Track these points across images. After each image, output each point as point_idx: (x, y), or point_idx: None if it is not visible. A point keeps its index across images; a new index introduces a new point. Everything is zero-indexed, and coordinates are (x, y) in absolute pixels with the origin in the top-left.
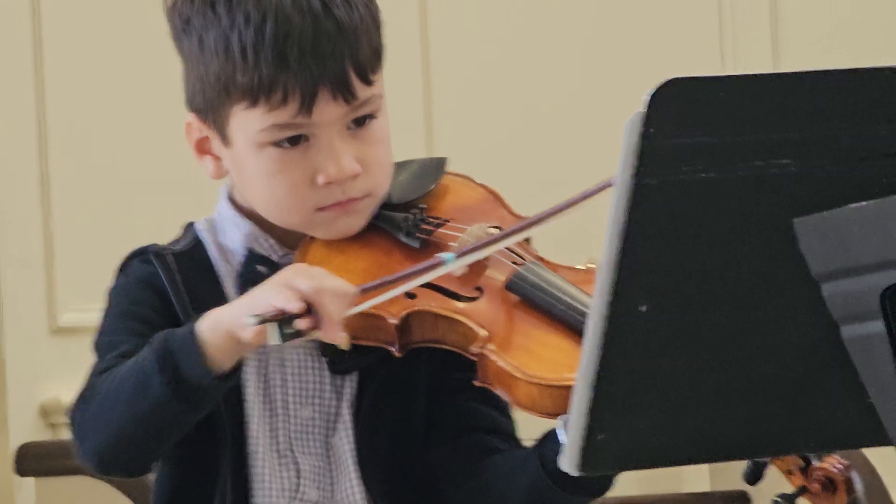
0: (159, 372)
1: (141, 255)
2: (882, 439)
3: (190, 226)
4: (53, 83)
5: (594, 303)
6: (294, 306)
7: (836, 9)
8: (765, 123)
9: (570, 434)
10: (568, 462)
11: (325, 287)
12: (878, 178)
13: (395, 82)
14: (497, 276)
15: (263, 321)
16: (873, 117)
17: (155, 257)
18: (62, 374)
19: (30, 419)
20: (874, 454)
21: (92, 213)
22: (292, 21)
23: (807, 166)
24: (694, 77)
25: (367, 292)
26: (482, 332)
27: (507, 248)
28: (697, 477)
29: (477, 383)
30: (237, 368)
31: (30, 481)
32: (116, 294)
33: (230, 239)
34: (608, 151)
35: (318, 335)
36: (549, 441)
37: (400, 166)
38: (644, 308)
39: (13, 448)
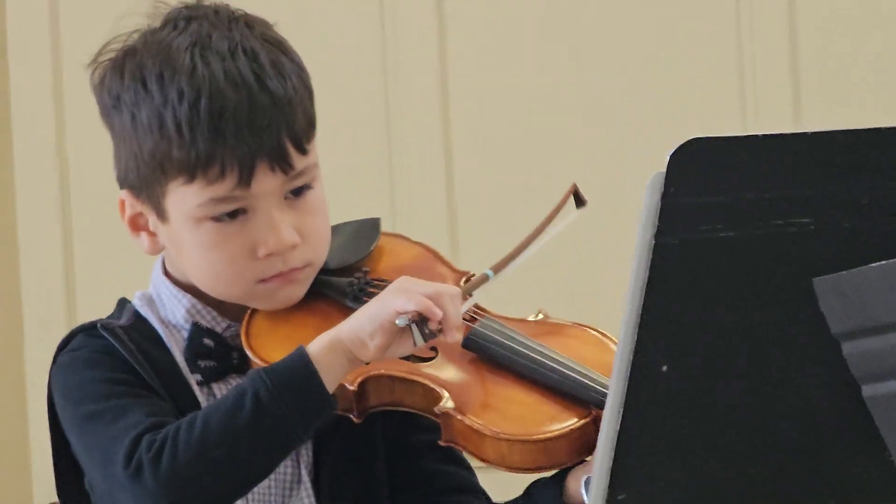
0: (276, 401)
1: (87, 331)
2: None
3: (124, 302)
4: (75, 135)
5: (615, 363)
6: (426, 306)
7: (858, 63)
8: (784, 182)
9: (592, 494)
10: None
11: (441, 290)
12: None
13: (413, 92)
14: None
15: (410, 323)
16: (892, 175)
17: (105, 330)
18: None
19: (53, 479)
20: None
21: (115, 273)
22: (227, 95)
23: (826, 225)
24: (713, 137)
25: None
26: (442, 392)
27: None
28: None
29: (442, 443)
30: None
31: None
32: (81, 366)
33: (171, 314)
34: (626, 209)
35: (440, 337)
36: (532, 498)
37: (334, 230)
38: (665, 368)
39: None
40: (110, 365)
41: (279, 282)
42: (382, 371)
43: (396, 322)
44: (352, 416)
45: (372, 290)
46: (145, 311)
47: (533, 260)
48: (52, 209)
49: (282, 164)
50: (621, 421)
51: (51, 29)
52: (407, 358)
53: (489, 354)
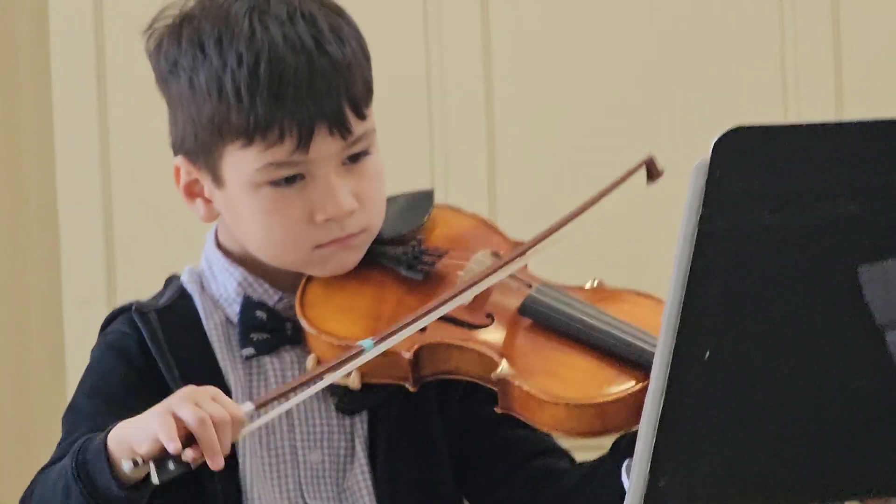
0: (76, 480)
1: (123, 314)
2: None
3: (172, 279)
4: (117, 115)
5: (658, 349)
6: (174, 444)
7: None
8: (829, 171)
9: (633, 479)
10: None
11: (205, 417)
12: None
13: (457, 94)
14: (507, 301)
15: (136, 465)
16: None
17: (138, 316)
18: None
19: None
20: None
21: (154, 252)
22: (286, 60)
23: (872, 213)
24: (758, 125)
25: (260, 406)
26: (497, 358)
27: (511, 276)
28: None
29: (498, 410)
30: (147, 481)
31: None
32: (91, 363)
33: (223, 287)
34: (671, 196)
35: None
36: (619, 455)
37: (388, 201)
38: (707, 354)
39: None
40: (110, 369)
41: (335, 247)
42: (438, 339)
43: (123, 466)
44: (407, 384)
45: (427, 257)
46: (191, 288)
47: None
48: (93, 187)
49: (341, 128)
50: (662, 407)
51: (94, 10)
52: (461, 324)
53: (545, 320)
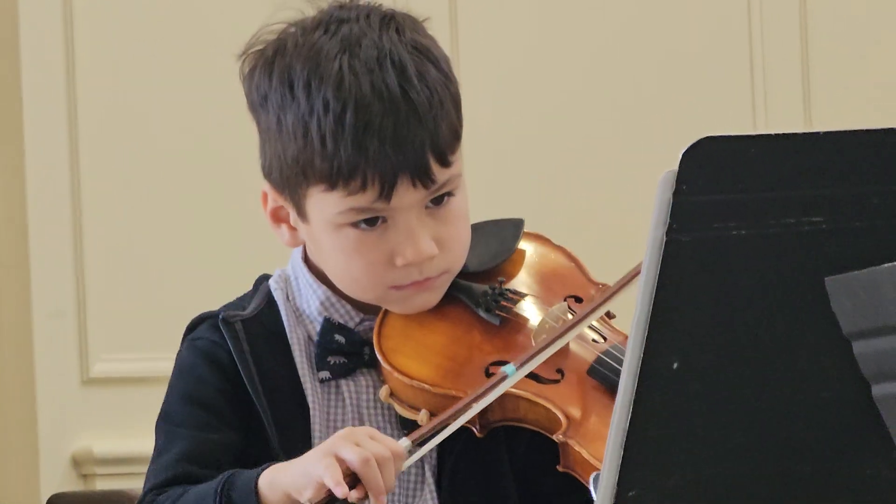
0: None
1: (210, 320)
2: None
3: (262, 281)
4: (88, 132)
5: (626, 360)
6: (340, 486)
7: (868, 62)
8: (796, 181)
9: (601, 491)
10: None
11: (368, 457)
12: None
13: None
14: (579, 357)
15: None
16: None
17: (224, 325)
18: (94, 425)
19: (61, 470)
20: None
21: (125, 264)
22: (372, 109)
23: (839, 224)
24: (726, 136)
25: (418, 444)
26: (563, 419)
27: (589, 327)
28: None
29: (560, 469)
30: None
31: None
32: (179, 370)
33: (306, 303)
34: (640, 208)
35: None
36: None
37: (474, 229)
38: (676, 365)
39: (44, 499)
40: (204, 377)
41: (414, 289)
42: (509, 390)
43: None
44: (474, 429)
45: (505, 303)
46: (278, 296)
47: None
48: (63, 198)
49: (423, 179)
50: (631, 417)
51: (63, 11)
52: (534, 378)
53: (612, 386)
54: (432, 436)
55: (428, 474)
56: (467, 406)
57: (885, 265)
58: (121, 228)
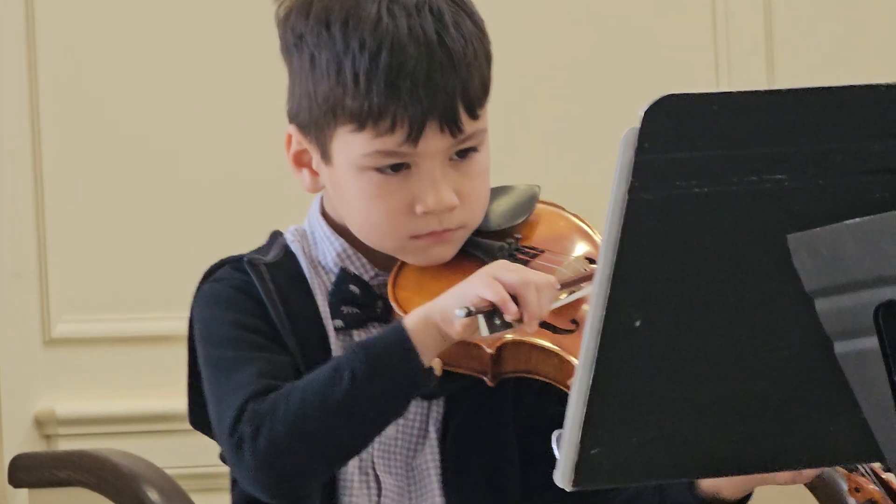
0: (371, 378)
1: (233, 263)
2: (875, 455)
3: (276, 235)
4: (48, 93)
5: (588, 317)
6: (502, 298)
7: (830, 24)
8: (759, 139)
9: (564, 448)
10: (560, 477)
11: (529, 280)
12: (872, 193)
13: None
14: None
15: (470, 314)
16: (867, 133)
17: (249, 266)
18: (56, 386)
19: (23, 430)
20: None
21: (86, 224)
22: (407, 51)
23: (801, 182)
24: (688, 93)
25: (565, 287)
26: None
27: None
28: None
29: None
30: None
31: (23, 493)
32: (217, 302)
33: (323, 255)
34: (603, 166)
35: (521, 327)
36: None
37: (493, 192)
38: (638, 323)
39: (7, 459)
40: (243, 307)
41: (431, 240)
42: (521, 338)
43: (455, 313)
44: (486, 378)
45: (521, 256)
46: (296, 248)
47: None
48: (24, 159)
49: (451, 126)
50: (594, 376)
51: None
52: (547, 326)
53: None
54: (575, 286)
55: (431, 429)
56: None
57: (847, 222)
58: (83, 188)
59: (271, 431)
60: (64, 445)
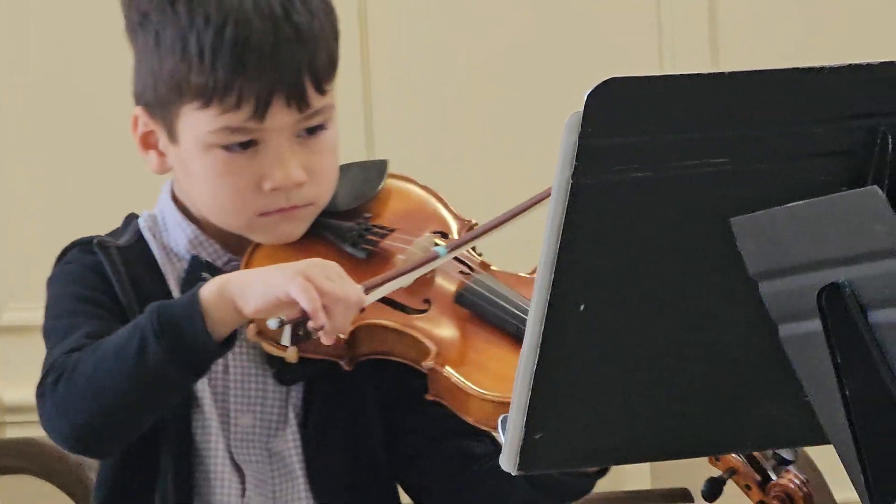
0: (158, 337)
1: (83, 245)
2: (819, 438)
3: (131, 219)
4: None
5: (533, 302)
6: (314, 308)
7: (774, 7)
8: (701, 122)
9: (509, 432)
10: (506, 460)
11: (341, 297)
12: (814, 177)
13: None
14: (446, 288)
15: (283, 324)
16: (809, 117)
17: (99, 248)
18: (3, 374)
19: None
20: (815, 451)
21: (32, 211)
22: (252, 26)
23: (743, 165)
24: (630, 77)
25: (368, 290)
26: (432, 346)
27: (455, 258)
28: (638, 475)
29: (429, 397)
30: (234, 337)
31: None
32: (63, 279)
33: (174, 241)
34: (547, 150)
35: (316, 337)
36: None
37: (341, 170)
38: (582, 307)
39: None
40: (89, 283)
41: (279, 217)
42: (375, 321)
43: (267, 323)
44: (342, 362)
45: (372, 236)
46: (147, 234)
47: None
48: None
49: (298, 101)
50: (538, 360)
51: None
52: (399, 308)
53: (480, 312)
54: (379, 287)
55: (291, 415)
56: (408, 270)
57: (790, 205)
58: (28, 172)
59: (69, 381)
60: (11, 433)
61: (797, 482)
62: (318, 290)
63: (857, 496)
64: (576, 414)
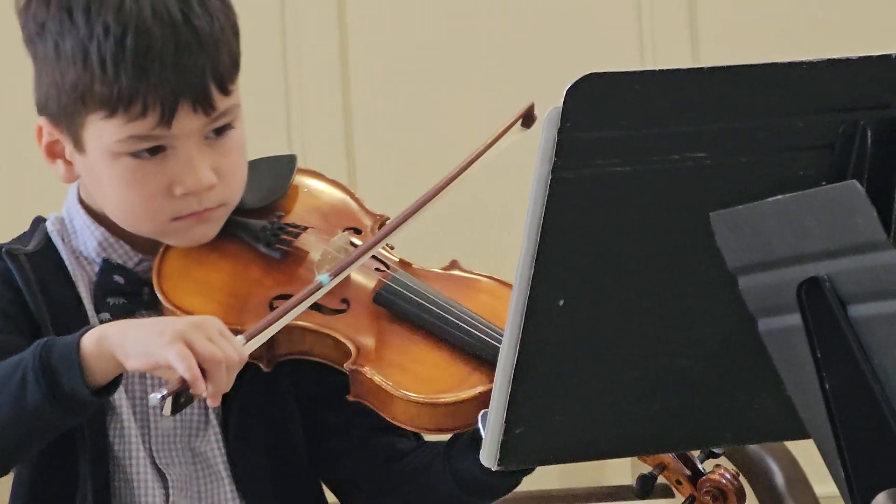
0: (37, 380)
1: None
2: (799, 432)
3: (38, 222)
4: None
5: (513, 297)
6: (194, 376)
7: (754, 2)
8: (681, 117)
9: (489, 428)
10: (486, 456)
11: (221, 358)
12: (794, 171)
13: (314, 80)
14: (363, 286)
15: (165, 398)
16: (788, 111)
17: (8, 256)
18: None
19: None
20: (795, 446)
21: None
22: (153, 33)
23: (722, 159)
24: (611, 72)
25: (251, 338)
26: (352, 347)
27: (373, 256)
28: (619, 469)
29: (350, 398)
30: (118, 381)
31: None
32: None
33: (83, 245)
34: (528, 145)
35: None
36: (455, 449)
37: (249, 166)
38: (561, 302)
39: None
40: (0, 294)
41: (192, 220)
42: (295, 323)
43: (149, 398)
44: (261, 364)
45: (286, 236)
46: (56, 238)
47: (443, 205)
48: None
49: (204, 104)
50: (518, 355)
51: None
52: (319, 309)
53: (398, 311)
54: (258, 336)
55: (212, 415)
56: (286, 311)
57: (770, 199)
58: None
59: None
60: None
61: (728, 476)
62: (198, 356)
63: (837, 491)
64: (556, 409)
